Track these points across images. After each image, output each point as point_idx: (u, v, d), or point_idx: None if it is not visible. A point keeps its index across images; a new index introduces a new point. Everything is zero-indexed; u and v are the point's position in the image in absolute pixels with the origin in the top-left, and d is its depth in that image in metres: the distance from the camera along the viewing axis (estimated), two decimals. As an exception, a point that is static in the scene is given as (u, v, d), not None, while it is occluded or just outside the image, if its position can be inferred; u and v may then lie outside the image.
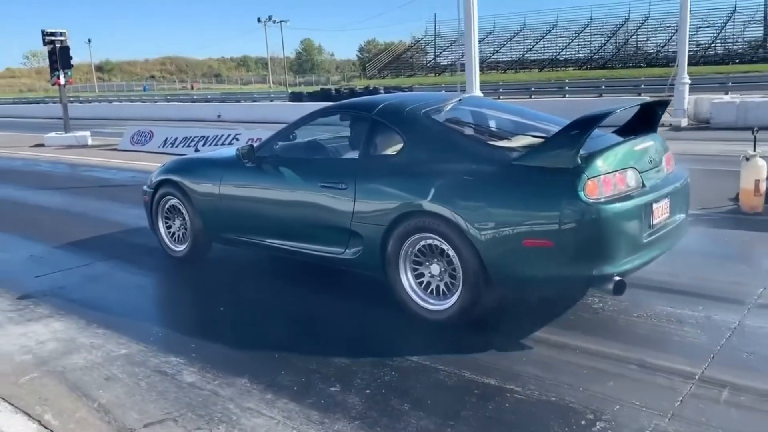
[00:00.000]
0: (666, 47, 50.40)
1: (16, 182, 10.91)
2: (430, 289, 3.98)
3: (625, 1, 58.10)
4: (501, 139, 4.12)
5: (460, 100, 4.90)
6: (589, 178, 3.46)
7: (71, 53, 17.37)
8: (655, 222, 3.79)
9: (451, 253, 3.79)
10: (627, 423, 2.81)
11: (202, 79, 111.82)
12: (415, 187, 3.92)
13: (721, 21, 51.33)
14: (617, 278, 3.50)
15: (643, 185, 3.80)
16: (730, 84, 27.74)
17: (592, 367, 3.34)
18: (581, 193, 3.42)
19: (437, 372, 3.36)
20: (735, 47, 49.66)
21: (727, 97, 16.20)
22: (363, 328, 4.03)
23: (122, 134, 17.11)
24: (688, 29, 15.58)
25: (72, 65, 17.49)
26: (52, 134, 18.21)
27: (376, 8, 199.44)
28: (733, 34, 51.05)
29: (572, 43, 57.95)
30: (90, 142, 17.64)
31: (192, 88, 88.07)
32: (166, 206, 5.64)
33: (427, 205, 3.82)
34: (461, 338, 3.75)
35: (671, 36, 52.70)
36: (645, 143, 4.01)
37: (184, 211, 5.43)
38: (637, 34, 56.02)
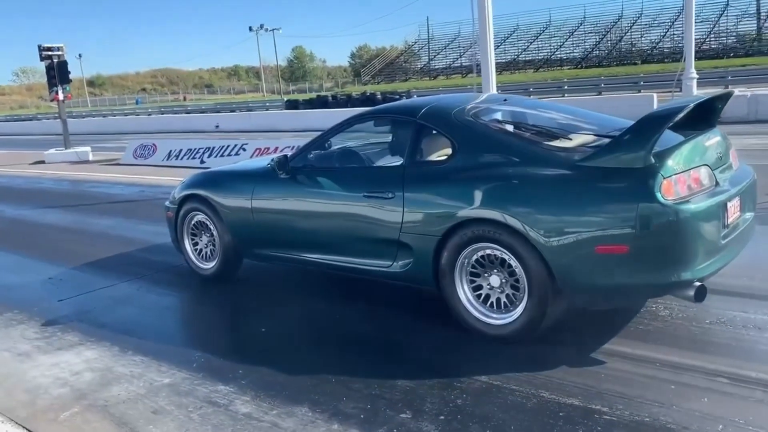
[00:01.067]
0: (661, 43, 50.49)
1: (19, 201, 10.64)
2: (489, 302, 3.74)
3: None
4: (558, 138, 3.86)
5: (505, 100, 4.69)
6: (664, 178, 3.22)
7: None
8: (729, 222, 3.55)
9: (514, 263, 3.56)
10: (737, 445, 2.58)
11: (194, 90, 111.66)
12: (470, 194, 3.66)
13: (715, 16, 51.37)
14: (698, 283, 3.28)
15: (717, 183, 3.57)
16: (729, 78, 27.66)
17: (678, 381, 3.10)
18: (658, 194, 3.18)
19: (512, 393, 3.13)
20: (729, 41, 49.70)
21: (737, 91, 16.01)
22: (419, 347, 3.78)
23: (124, 148, 16.86)
24: (693, 24, 15.39)
25: (70, 80, 17.24)
26: (52, 150, 17.93)
27: (367, 14, 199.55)
28: (727, 29, 51.07)
29: (567, 43, 57.91)
30: (91, 157, 17.37)
31: (184, 99, 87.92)
32: (192, 222, 5.39)
33: (486, 212, 3.58)
34: (526, 354, 3.52)
35: (665, 32, 52.82)
36: (712, 139, 3.77)
37: (212, 227, 5.19)
38: (631, 32, 56.04)
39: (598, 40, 56.32)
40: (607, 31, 56.96)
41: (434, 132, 4.07)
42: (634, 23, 56.73)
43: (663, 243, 3.21)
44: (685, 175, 3.35)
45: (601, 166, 3.36)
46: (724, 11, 51.27)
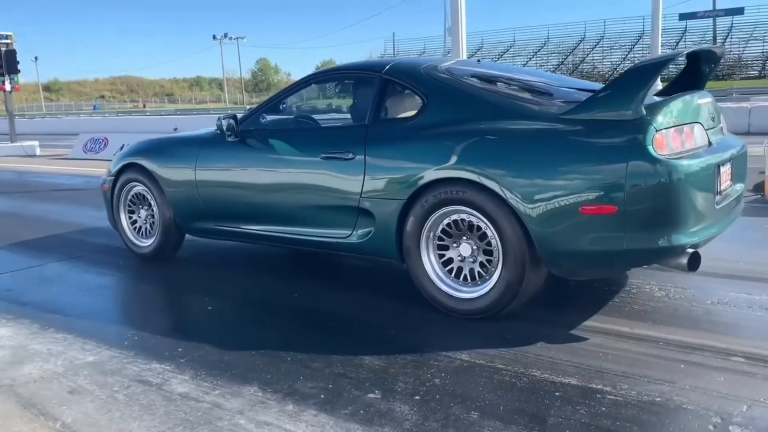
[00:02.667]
0: (621, 65, 51.28)
1: (-45, 188, 9.83)
2: (459, 274, 3.31)
3: (580, 22, 59.30)
4: (538, 94, 3.46)
5: (478, 60, 4.34)
6: (657, 131, 2.85)
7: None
8: (722, 188, 3.21)
9: (485, 226, 3.15)
10: (768, 426, 2.17)
11: (154, 99, 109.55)
12: (441, 152, 3.24)
13: (674, 41, 52.60)
14: (691, 250, 2.91)
15: (710, 143, 3.25)
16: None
17: (689, 361, 2.70)
18: (650, 148, 2.80)
19: (498, 372, 2.68)
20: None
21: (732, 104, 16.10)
22: (384, 325, 3.30)
23: (73, 146, 16.02)
24: (660, 47, 15.41)
25: (19, 70, 16.32)
26: (-4, 144, 16.97)
27: (333, 26, 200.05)
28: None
29: (530, 62, 58.53)
30: (38, 152, 16.44)
31: (144, 106, 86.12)
32: (130, 195, 4.86)
33: (457, 170, 3.15)
34: (510, 332, 3.08)
35: (626, 54, 53.85)
36: (704, 98, 3.42)
37: (152, 199, 4.66)
38: (593, 53, 56.97)
39: (560, 60, 57.15)
40: (570, 53, 57.90)
41: (401, 87, 3.68)
42: (596, 45, 57.79)
43: (655, 202, 2.83)
44: (678, 130, 3.00)
45: (587, 119, 2.97)
46: (682, 37, 52.60)
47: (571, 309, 3.38)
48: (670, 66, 3.21)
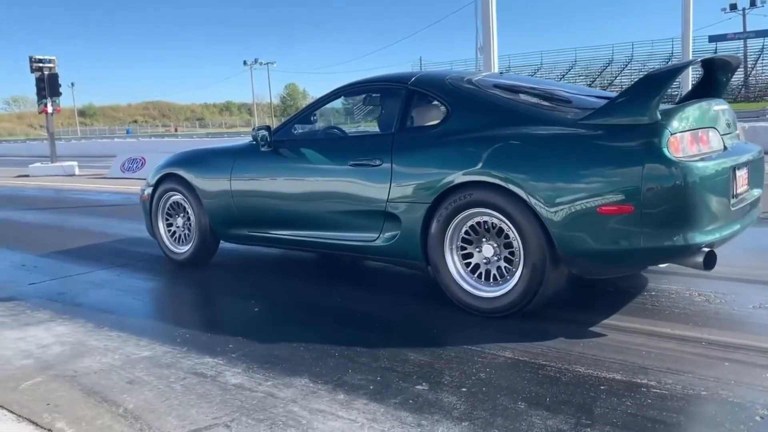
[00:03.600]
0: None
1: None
2: (482, 275, 3.44)
3: (608, 45, 59.32)
4: (558, 102, 3.61)
5: (501, 73, 4.49)
6: (672, 134, 2.97)
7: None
8: (738, 191, 3.30)
9: (507, 227, 3.27)
10: (816, 418, 2.20)
11: (185, 123, 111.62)
12: (464, 156, 3.39)
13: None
14: (707, 249, 2.99)
15: (725, 147, 3.34)
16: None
17: (732, 359, 2.73)
18: (665, 150, 2.92)
19: (542, 368, 2.73)
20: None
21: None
22: (424, 325, 3.38)
23: (111, 166, 16.44)
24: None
25: (60, 93, 16.90)
26: (37, 164, 17.49)
27: (361, 51, 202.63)
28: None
29: (577, 85, 58.66)
30: (77, 172, 16.90)
31: (176, 130, 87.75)
32: (168, 203, 5.05)
33: (480, 174, 3.29)
34: (551, 331, 3.13)
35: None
36: (720, 105, 3.53)
37: (189, 207, 4.85)
38: (621, 76, 56.80)
39: (588, 83, 57.07)
40: (598, 75, 57.81)
41: (427, 97, 3.85)
42: (624, 68, 57.60)
43: (671, 202, 2.93)
44: (693, 134, 3.12)
45: (605, 124, 3.11)
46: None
47: (611, 311, 3.41)
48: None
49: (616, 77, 56.92)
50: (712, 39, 51.97)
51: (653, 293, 3.70)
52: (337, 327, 3.44)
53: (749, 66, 51.39)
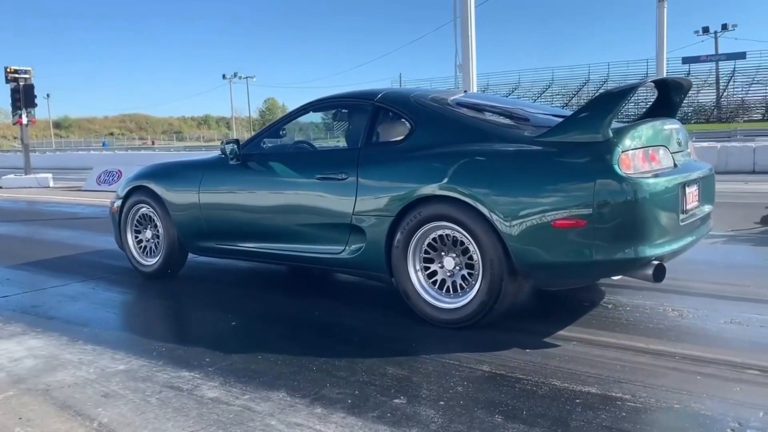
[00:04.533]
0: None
1: (-28, 216, 9.99)
2: (444, 288, 3.52)
3: (584, 65, 60.27)
4: (517, 119, 3.75)
5: (465, 91, 4.62)
6: (623, 152, 3.10)
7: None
8: (688, 207, 3.45)
9: (468, 241, 3.36)
10: (785, 430, 2.25)
11: (163, 137, 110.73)
12: (426, 172, 3.50)
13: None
14: (656, 262, 3.11)
15: (675, 165, 3.48)
16: (694, 139, 28.39)
17: (704, 372, 2.78)
18: (616, 167, 3.05)
19: (519, 381, 2.75)
20: (689, 110, 51.44)
21: (706, 144, 16.33)
22: (403, 339, 3.38)
23: (87, 178, 16.25)
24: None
25: (36, 104, 16.70)
26: (11, 176, 17.23)
27: (340, 67, 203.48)
28: (688, 97, 52.97)
29: (536, 103, 59.36)
30: (52, 184, 16.68)
31: (153, 143, 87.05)
32: (137, 216, 5.06)
33: (441, 189, 3.39)
34: (528, 346, 3.15)
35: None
36: (672, 125, 3.69)
37: (157, 220, 4.86)
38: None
39: (565, 102, 57.87)
40: (574, 95, 58.62)
41: (392, 114, 3.93)
42: (599, 87, 58.45)
43: (621, 217, 3.06)
44: (643, 152, 3.26)
45: (560, 141, 3.24)
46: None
47: (587, 326, 3.46)
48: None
49: (592, 97, 57.79)
50: (686, 60, 53.06)
51: (628, 308, 3.76)
52: (315, 340, 3.43)
53: (721, 88, 52.51)
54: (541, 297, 4.09)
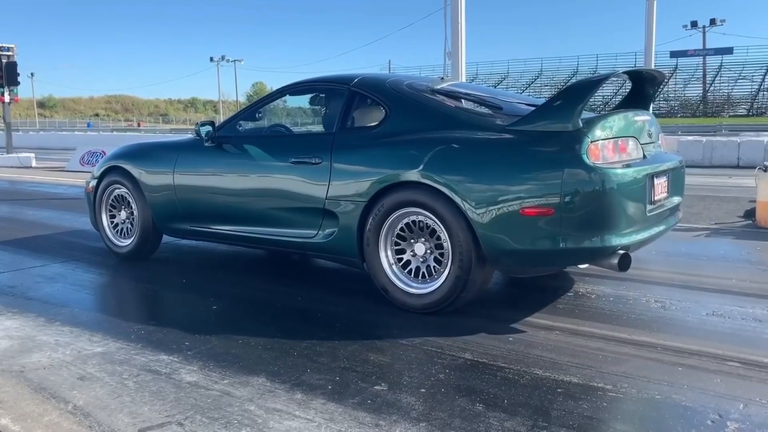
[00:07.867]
0: (613, 99, 52.06)
1: (-49, 194, 9.83)
2: (414, 273, 3.54)
3: (573, 56, 60.29)
4: (492, 108, 3.74)
5: (442, 78, 4.61)
6: (591, 142, 3.12)
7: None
8: (656, 198, 3.48)
9: (438, 227, 3.37)
10: (764, 422, 2.25)
11: (149, 119, 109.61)
12: (399, 158, 3.50)
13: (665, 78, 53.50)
14: (622, 251, 3.14)
15: (645, 156, 3.51)
16: (680, 132, 28.54)
17: (685, 364, 2.78)
18: (584, 157, 3.07)
19: (501, 370, 2.74)
20: (675, 104, 51.71)
21: (692, 138, 16.40)
22: (387, 325, 3.34)
23: (70, 159, 16.05)
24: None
25: (19, 82, 16.40)
26: (-8, 155, 16.96)
27: (330, 52, 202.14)
28: (675, 91, 53.19)
29: (523, 94, 59.35)
30: (34, 164, 16.44)
31: (139, 125, 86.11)
32: (112, 196, 5.01)
33: (413, 175, 3.39)
34: (511, 334, 3.14)
35: (618, 89, 54.68)
36: (642, 116, 3.72)
37: (132, 201, 4.81)
38: (585, 87, 57.62)
39: (553, 93, 57.92)
40: (563, 86, 58.67)
41: (367, 99, 3.90)
42: (588, 79, 58.57)
43: (588, 206, 3.08)
44: (613, 142, 3.28)
45: (531, 130, 3.25)
46: (673, 74, 53.48)
47: (570, 316, 3.46)
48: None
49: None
50: (674, 54, 53.30)
51: (611, 299, 3.76)
52: (296, 326, 3.40)
53: (707, 82, 52.80)
54: (525, 287, 4.08)
